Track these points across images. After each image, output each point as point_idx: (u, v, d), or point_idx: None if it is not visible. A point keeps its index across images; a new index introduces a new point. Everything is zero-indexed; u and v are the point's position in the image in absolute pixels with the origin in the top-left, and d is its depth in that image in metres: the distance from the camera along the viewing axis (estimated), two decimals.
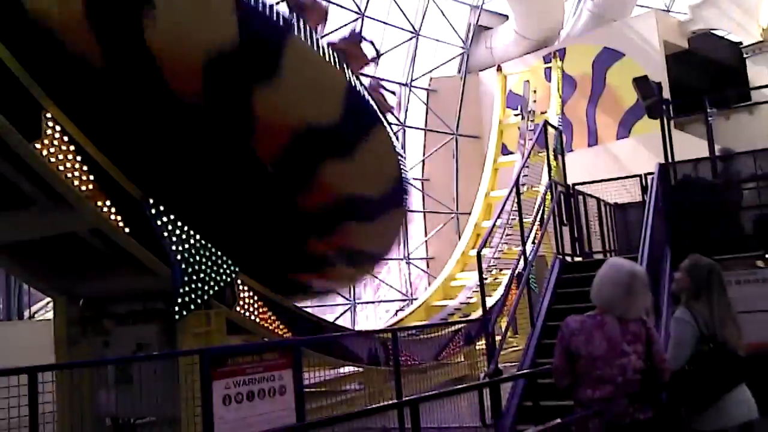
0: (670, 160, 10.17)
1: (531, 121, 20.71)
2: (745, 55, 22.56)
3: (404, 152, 8.62)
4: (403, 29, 24.46)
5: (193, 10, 6.07)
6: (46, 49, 5.75)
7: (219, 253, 7.83)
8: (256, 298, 8.66)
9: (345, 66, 7.29)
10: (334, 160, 7.06)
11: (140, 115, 6.08)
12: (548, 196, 9.64)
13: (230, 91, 6.33)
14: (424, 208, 25.11)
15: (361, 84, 7.52)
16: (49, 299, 10.55)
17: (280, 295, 8.26)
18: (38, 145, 6.50)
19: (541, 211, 9.49)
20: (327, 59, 7.09)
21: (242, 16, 6.10)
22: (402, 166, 8.66)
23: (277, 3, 7.53)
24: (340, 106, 6.97)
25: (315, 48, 6.99)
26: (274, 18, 6.52)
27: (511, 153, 21.27)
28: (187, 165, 6.33)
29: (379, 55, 9.82)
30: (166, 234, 7.34)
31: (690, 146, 13.76)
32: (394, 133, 7.94)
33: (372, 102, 7.24)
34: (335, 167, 7.12)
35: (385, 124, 7.54)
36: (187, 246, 7.48)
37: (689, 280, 3.98)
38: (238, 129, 6.61)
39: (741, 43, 22.85)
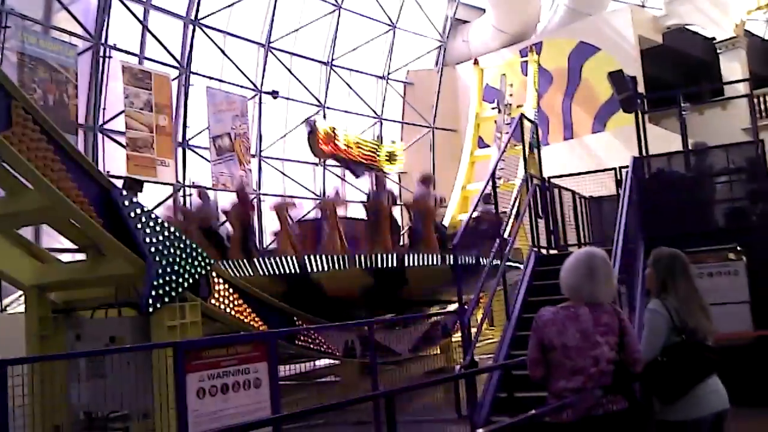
0: (644, 153, 10.27)
1: (507, 114, 20.77)
2: (718, 51, 22.81)
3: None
4: (380, 22, 24.43)
5: (347, 284, 10.45)
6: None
7: (194, 245, 7.78)
8: (231, 290, 8.61)
9: None
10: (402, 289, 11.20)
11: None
12: (524, 189, 9.67)
13: (374, 297, 10.99)
14: (401, 201, 25.12)
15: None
16: (20, 292, 10.41)
17: None
18: (9, 135, 6.40)
19: (517, 204, 9.51)
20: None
21: (374, 274, 10.61)
22: (448, 261, 10.99)
23: None
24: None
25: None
26: (396, 265, 10.80)
27: (488, 146, 21.33)
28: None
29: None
30: (139, 226, 7.26)
31: (664, 140, 13.90)
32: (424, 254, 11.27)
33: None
34: (405, 290, 11.26)
35: (408, 266, 10.93)
36: (161, 238, 7.41)
37: (655, 274, 4.02)
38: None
39: (714, 38, 23.09)
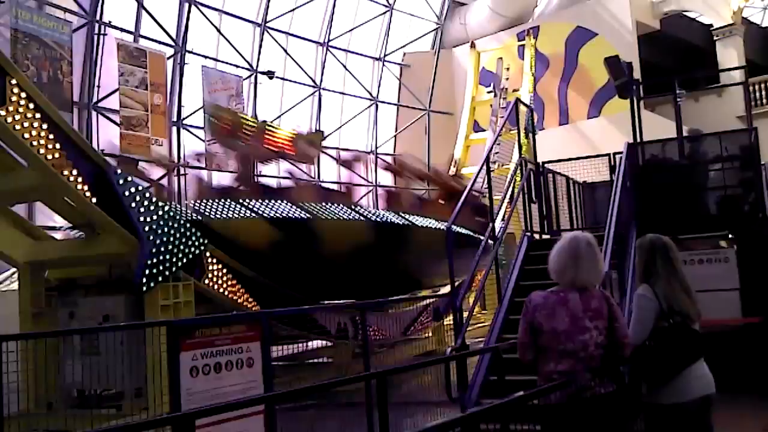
0: (638, 140, 10.27)
1: (503, 98, 20.74)
2: (715, 38, 22.78)
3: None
4: (377, 3, 24.29)
5: (345, 234, 10.20)
6: None
7: (188, 224, 7.79)
8: (225, 270, 8.63)
9: None
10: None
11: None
12: (518, 174, 9.68)
13: (365, 257, 10.62)
14: (395, 184, 25.10)
15: None
16: (14, 269, 10.40)
17: None
18: (2, 112, 6.38)
19: (511, 189, 9.52)
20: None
21: (377, 228, 10.86)
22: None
23: None
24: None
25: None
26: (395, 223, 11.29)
27: (483, 130, 21.31)
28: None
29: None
30: (133, 205, 7.27)
31: (659, 127, 13.88)
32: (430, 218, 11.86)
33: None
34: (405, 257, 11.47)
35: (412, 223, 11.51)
36: (155, 217, 7.42)
37: (638, 259, 4.08)
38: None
39: (712, 25, 23.05)
